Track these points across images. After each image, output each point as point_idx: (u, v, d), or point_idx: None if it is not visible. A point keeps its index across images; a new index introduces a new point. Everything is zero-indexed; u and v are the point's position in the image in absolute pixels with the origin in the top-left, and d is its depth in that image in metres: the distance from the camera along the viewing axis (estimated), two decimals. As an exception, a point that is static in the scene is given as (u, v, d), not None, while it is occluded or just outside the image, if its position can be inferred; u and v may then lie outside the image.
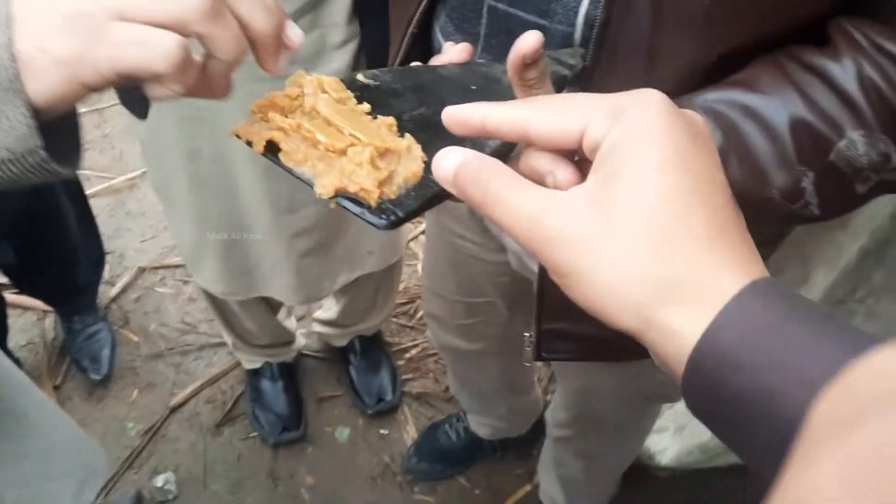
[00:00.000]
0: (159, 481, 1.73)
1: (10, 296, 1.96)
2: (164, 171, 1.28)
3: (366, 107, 0.48)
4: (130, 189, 2.46)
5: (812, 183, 0.58)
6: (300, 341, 1.92)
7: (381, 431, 1.86)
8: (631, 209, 0.33)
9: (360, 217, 0.43)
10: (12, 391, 0.95)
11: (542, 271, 0.83)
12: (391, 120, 0.47)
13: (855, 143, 0.56)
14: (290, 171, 0.44)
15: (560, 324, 0.86)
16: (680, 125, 0.35)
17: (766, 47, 0.60)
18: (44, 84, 0.36)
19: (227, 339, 1.77)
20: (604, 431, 1.26)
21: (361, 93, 0.51)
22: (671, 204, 0.33)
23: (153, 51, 0.36)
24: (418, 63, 0.59)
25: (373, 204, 0.42)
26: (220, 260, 1.38)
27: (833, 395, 0.25)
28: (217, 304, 1.60)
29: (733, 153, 0.57)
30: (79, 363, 1.93)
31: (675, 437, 1.56)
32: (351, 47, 1.12)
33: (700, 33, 0.59)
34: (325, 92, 0.47)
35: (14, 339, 2.01)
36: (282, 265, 1.37)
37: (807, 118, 0.57)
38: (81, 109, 2.83)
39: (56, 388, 1.91)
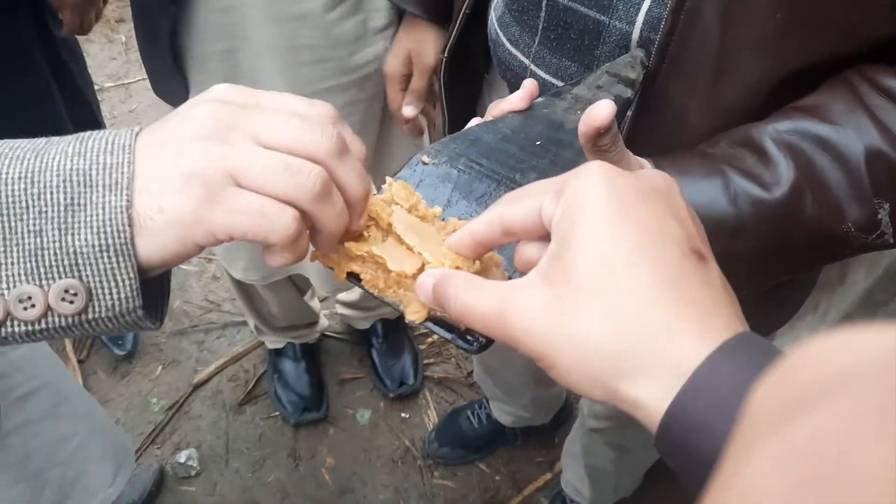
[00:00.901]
0: (182, 457, 1.74)
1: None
2: None
3: (437, 210, 0.48)
4: (155, 164, 2.46)
5: (888, 214, 0.56)
6: (323, 322, 1.92)
7: (402, 415, 1.86)
8: (576, 280, 0.33)
9: (452, 342, 0.44)
10: (56, 376, 0.96)
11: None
12: (463, 223, 0.47)
13: None
14: (375, 297, 0.45)
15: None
16: (622, 186, 0.35)
17: (837, 67, 0.59)
18: (158, 245, 0.36)
19: (251, 321, 1.77)
20: (639, 426, 1.24)
21: (424, 178, 0.52)
22: (611, 267, 0.33)
23: (271, 223, 0.37)
24: (478, 120, 0.58)
25: (462, 328, 0.43)
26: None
27: (769, 383, 0.24)
28: (243, 287, 1.60)
29: (807, 188, 0.55)
30: (103, 338, 1.94)
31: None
32: (392, 30, 1.11)
33: (769, 49, 0.57)
34: (396, 203, 0.47)
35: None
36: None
37: (882, 149, 0.55)
38: (107, 84, 2.82)
39: (80, 362, 1.93)
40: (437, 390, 1.93)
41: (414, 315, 0.43)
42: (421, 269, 0.43)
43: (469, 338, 0.43)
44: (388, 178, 0.49)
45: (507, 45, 0.75)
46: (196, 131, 0.37)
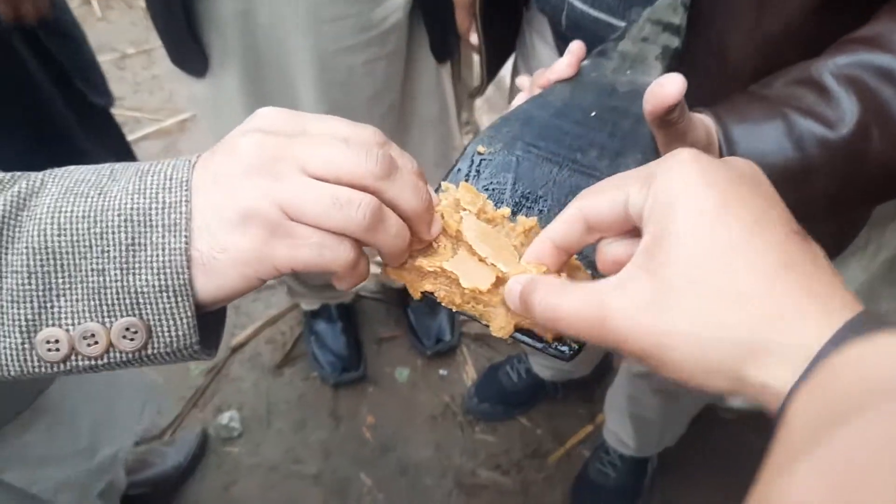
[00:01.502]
0: (224, 419, 1.75)
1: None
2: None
3: (505, 211, 0.46)
4: (181, 131, 2.45)
5: None
6: (358, 282, 1.91)
7: (441, 372, 1.86)
8: (680, 272, 0.32)
9: (544, 352, 0.42)
10: None
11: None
12: (532, 222, 0.46)
13: None
14: (454, 313, 0.44)
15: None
16: (714, 173, 0.33)
17: None
18: (221, 282, 0.37)
19: (286, 281, 1.76)
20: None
21: (483, 170, 0.50)
22: (719, 256, 0.32)
23: (331, 254, 0.38)
24: (525, 94, 0.56)
25: (549, 339, 0.42)
26: None
27: (808, 392, 0.24)
28: None
29: (873, 122, 0.52)
30: None
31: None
32: None
33: None
34: (463, 208, 0.45)
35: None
36: None
37: None
38: (129, 51, 2.80)
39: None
40: (475, 346, 1.92)
41: (499, 332, 0.42)
42: (496, 284, 0.42)
43: (560, 346, 0.42)
44: (444, 183, 0.47)
45: None
46: (245, 166, 0.37)
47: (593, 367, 1.71)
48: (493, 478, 1.67)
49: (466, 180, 0.49)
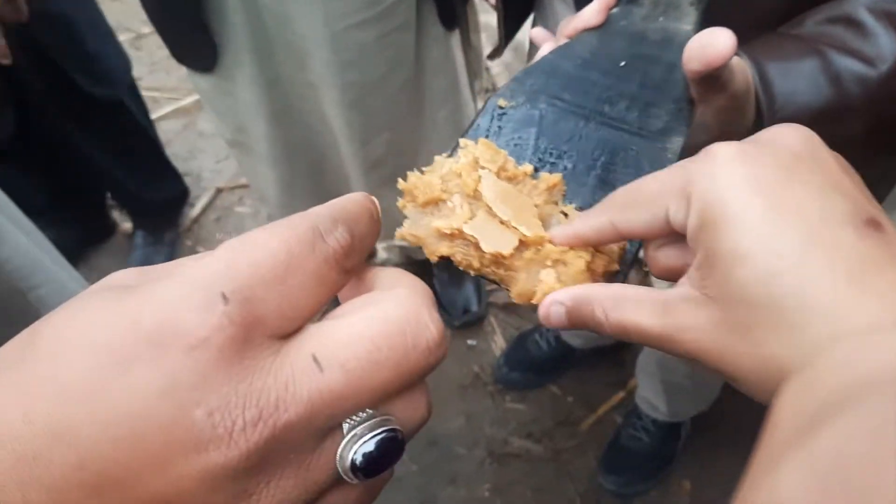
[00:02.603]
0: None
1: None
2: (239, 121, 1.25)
3: (528, 168, 0.43)
4: (199, 109, 2.44)
5: None
6: (381, 255, 1.90)
7: (469, 342, 1.85)
8: (738, 295, 0.29)
9: None
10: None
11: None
12: (555, 179, 0.43)
13: None
14: (479, 279, 0.42)
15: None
16: (759, 173, 0.30)
17: None
18: None
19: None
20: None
21: (504, 125, 0.47)
22: (778, 274, 0.28)
23: None
24: (549, 44, 0.53)
25: None
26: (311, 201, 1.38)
27: (796, 389, 0.23)
28: None
29: None
30: None
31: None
32: None
33: None
34: (482, 167, 0.42)
35: (106, 263, 2.05)
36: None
37: None
38: (144, 31, 2.79)
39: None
40: (503, 315, 1.91)
41: (520, 298, 0.40)
42: (519, 248, 0.39)
43: None
44: (462, 140, 0.44)
45: None
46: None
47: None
48: (524, 446, 1.67)
49: (486, 136, 0.47)
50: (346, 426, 0.23)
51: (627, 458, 1.59)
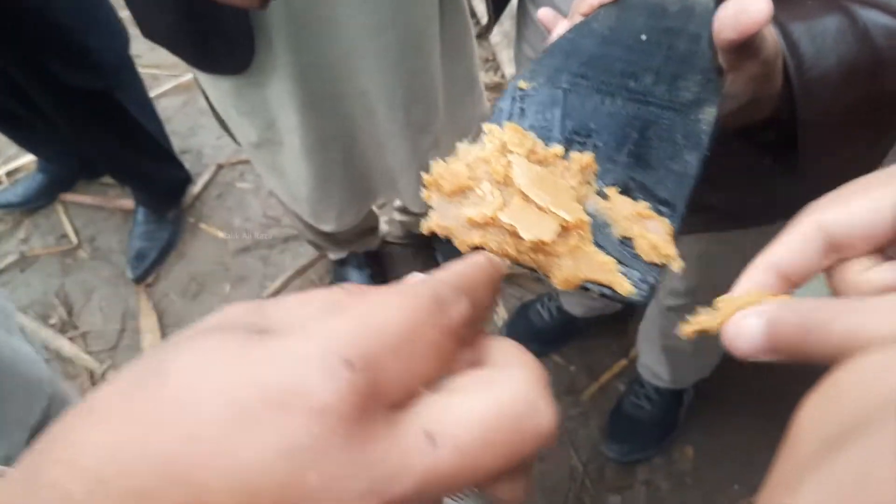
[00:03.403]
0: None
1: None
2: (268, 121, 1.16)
3: (559, 150, 0.41)
4: (199, 85, 2.43)
5: None
6: (383, 228, 1.90)
7: (472, 313, 1.85)
8: None
9: (614, 299, 0.37)
10: None
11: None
12: (588, 158, 0.41)
13: None
14: (510, 265, 0.38)
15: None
16: None
17: None
18: None
19: (312, 239, 1.74)
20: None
21: (527, 107, 0.45)
22: None
23: None
24: (564, 24, 0.51)
25: (621, 292, 0.37)
26: (346, 196, 1.34)
27: (818, 402, 0.22)
28: (307, 225, 1.56)
29: None
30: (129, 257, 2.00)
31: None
32: None
33: None
34: (510, 151, 0.40)
35: (110, 241, 2.06)
36: (408, 168, 1.31)
37: None
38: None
39: (149, 286, 1.97)
40: (505, 286, 1.91)
41: (564, 284, 0.37)
42: (562, 232, 0.37)
43: (635, 289, 0.37)
44: (486, 125, 0.42)
45: None
46: None
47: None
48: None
49: (510, 120, 0.45)
50: (449, 502, 0.23)
51: (630, 426, 1.60)
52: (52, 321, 1.93)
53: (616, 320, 1.75)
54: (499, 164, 0.39)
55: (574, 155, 0.42)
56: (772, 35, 0.46)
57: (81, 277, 2.01)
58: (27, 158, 2.24)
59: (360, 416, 0.21)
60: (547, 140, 0.44)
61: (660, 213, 0.40)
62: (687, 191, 0.40)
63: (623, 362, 1.74)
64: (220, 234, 2.06)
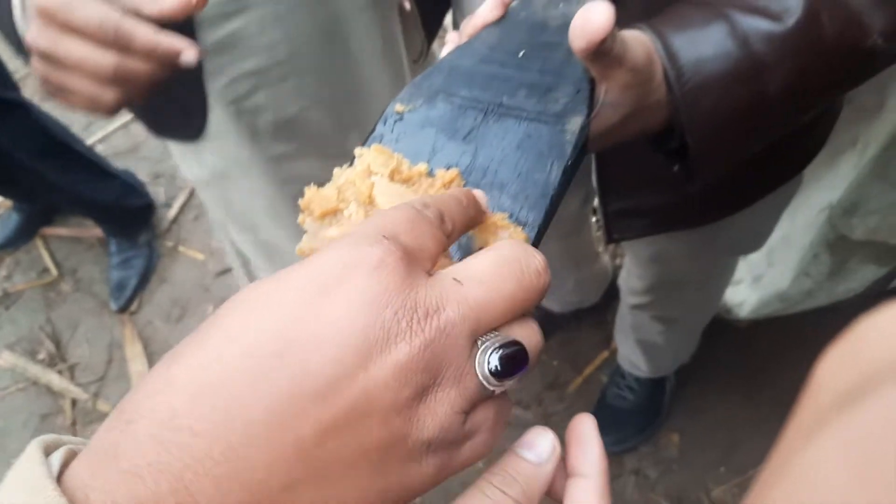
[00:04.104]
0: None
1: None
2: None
3: (422, 167, 0.43)
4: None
5: None
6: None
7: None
8: None
9: None
10: None
11: (599, 154, 0.77)
12: (451, 174, 0.43)
13: None
14: None
15: (625, 202, 0.80)
16: None
17: None
18: None
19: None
20: (681, 294, 1.22)
21: (403, 129, 0.47)
22: None
23: None
24: (452, 43, 0.52)
25: None
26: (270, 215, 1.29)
27: (837, 355, 0.22)
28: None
29: (821, 7, 0.49)
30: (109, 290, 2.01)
31: (752, 287, 1.50)
32: None
33: None
34: (374, 173, 0.42)
35: (91, 271, 2.07)
36: None
37: None
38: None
39: (132, 313, 1.98)
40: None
41: None
42: None
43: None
44: (358, 149, 0.44)
45: None
46: None
47: (602, 292, 1.70)
48: (514, 413, 1.69)
49: (381, 142, 0.47)
50: (479, 341, 0.29)
51: (615, 417, 1.62)
52: (41, 356, 1.94)
53: (594, 313, 1.76)
54: (364, 185, 0.41)
55: (439, 172, 0.43)
56: (641, 43, 0.48)
57: (66, 310, 2.03)
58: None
59: (406, 268, 0.28)
60: (420, 159, 0.45)
61: (519, 222, 0.41)
62: (547, 200, 0.41)
63: (605, 354, 1.75)
64: (200, 257, 2.07)
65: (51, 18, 0.51)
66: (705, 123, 0.50)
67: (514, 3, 0.52)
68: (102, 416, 1.80)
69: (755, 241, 1.05)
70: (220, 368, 0.24)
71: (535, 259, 0.32)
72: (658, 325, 1.32)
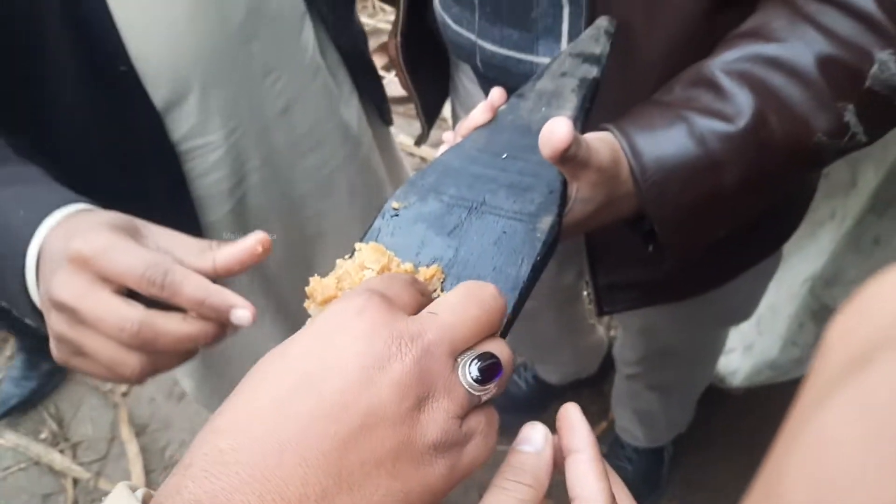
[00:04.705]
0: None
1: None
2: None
3: (408, 267, 0.47)
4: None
5: (854, 115, 0.56)
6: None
7: (453, 389, 1.88)
8: None
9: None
10: None
11: (588, 233, 0.83)
12: (432, 270, 0.47)
13: (887, 63, 0.54)
14: None
15: (615, 276, 0.85)
16: None
17: None
18: None
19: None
20: (674, 364, 1.26)
21: (397, 225, 0.51)
22: None
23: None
24: (448, 143, 0.58)
25: None
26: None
27: (846, 320, 0.23)
28: None
29: (770, 110, 0.55)
30: None
31: (744, 356, 1.54)
32: None
33: None
34: (366, 268, 0.46)
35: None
36: None
37: (832, 53, 0.55)
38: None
39: (124, 395, 2.00)
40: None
41: None
42: None
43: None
44: (357, 244, 0.48)
45: (453, 24, 0.75)
46: None
47: (598, 363, 1.73)
48: (515, 486, 1.69)
49: (378, 238, 0.50)
50: (459, 358, 0.34)
51: (615, 488, 1.62)
52: (43, 435, 1.95)
53: (593, 384, 1.78)
54: (357, 277, 0.45)
55: (421, 269, 0.47)
56: (607, 145, 0.53)
57: (69, 389, 2.05)
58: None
59: (386, 308, 0.33)
60: (409, 254, 0.49)
61: None
62: (516, 294, 0.46)
63: (603, 424, 1.77)
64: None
65: (85, 266, 0.46)
66: (669, 212, 0.55)
67: (502, 107, 0.58)
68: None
69: (741, 312, 1.09)
70: (253, 409, 0.30)
71: (489, 287, 0.38)
72: (652, 394, 1.35)
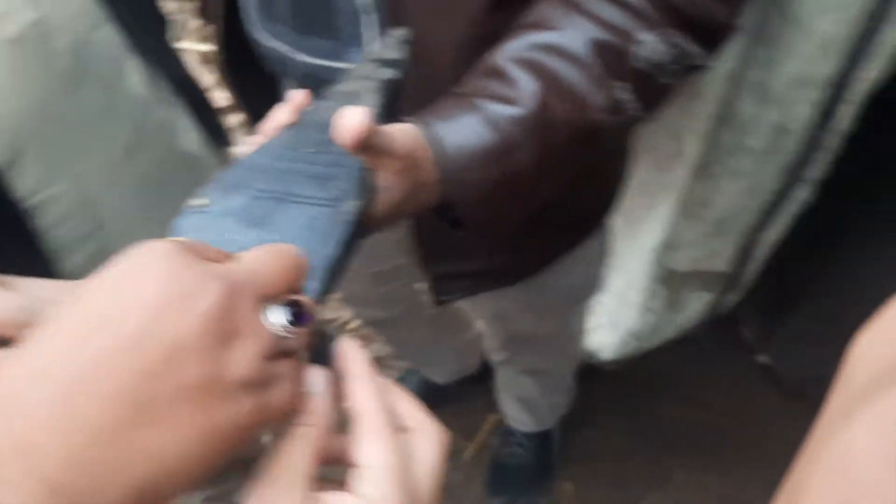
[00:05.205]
0: None
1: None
2: None
3: None
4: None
5: (628, 91, 0.62)
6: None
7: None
8: None
9: None
10: None
11: (416, 220, 0.86)
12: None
13: (647, 44, 0.61)
14: None
15: (446, 266, 0.89)
16: None
17: None
18: None
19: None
20: (536, 345, 1.31)
21: (200, 223, 0.51)
22: None
23: None
24: (252, 143, 0.59)
25: None
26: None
27: (870, 338, 0.23)
28: None
29: (551, 93, 0.61)
30: None
31: (610, 331, 1.62)
32: None
33: None
34: None
35: None
36: None
37: (603, 38, 0.61)
38: None
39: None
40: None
41: None
42: None
43: None
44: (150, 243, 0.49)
45: (268, 40, 0.77)
46: None
47: (480, 360, 1.78)
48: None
49: (182, 233, 0.50)
50: (268, 303, 0.35)
51: (509, 476, 1.67)
52: None
53: (480, 380, 1.82)
54: None
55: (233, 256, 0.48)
56: (408, 134, 0.57)
57: None
58: None
59: (190, 253, 0.33)
60: (218, 246, 0.48)
61: (306, 290, 0.45)
62: (329, 272, 0.48)
63: (495, 416, 1.82)
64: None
65: None
66: (471, 196, 0.60)
67: (307, 108, 0.60)
68: None
69: (583, 292, 1.16)
70: (50, 348, 0.30)
71: (290, 247, 0.40)
72: (526, 377, 1.40)
